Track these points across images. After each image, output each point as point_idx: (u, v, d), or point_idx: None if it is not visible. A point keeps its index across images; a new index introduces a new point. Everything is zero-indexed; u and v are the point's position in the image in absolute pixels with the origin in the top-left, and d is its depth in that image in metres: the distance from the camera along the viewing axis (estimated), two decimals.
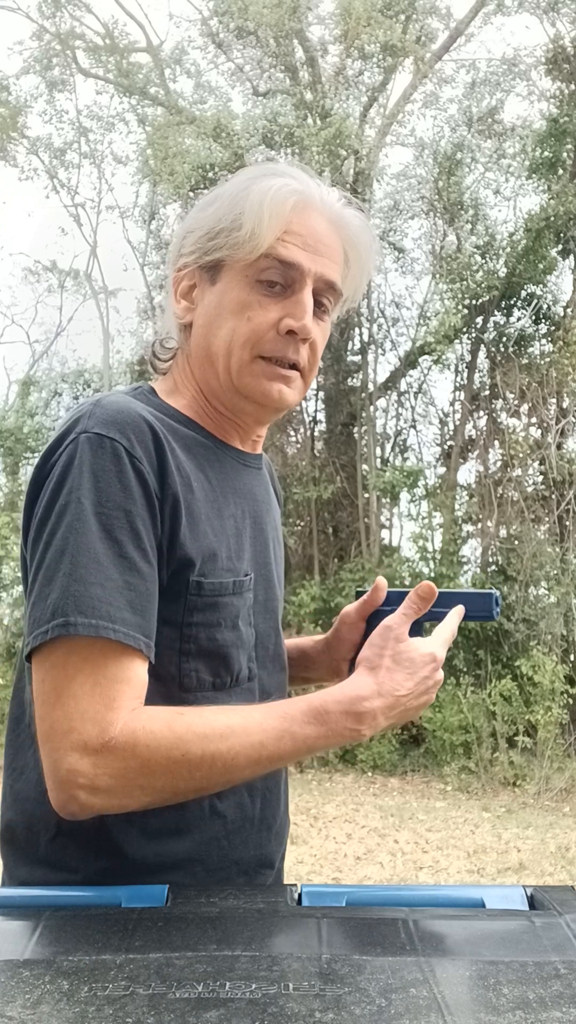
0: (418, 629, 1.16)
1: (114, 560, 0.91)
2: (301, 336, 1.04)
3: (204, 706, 0.95)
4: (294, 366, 1.06)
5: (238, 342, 1.04)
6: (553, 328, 9.58)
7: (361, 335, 10.40)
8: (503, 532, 9.37)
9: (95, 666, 0.89)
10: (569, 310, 9.58)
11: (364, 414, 10.20)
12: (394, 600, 1.17)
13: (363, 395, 10.24)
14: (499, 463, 9.64)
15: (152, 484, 0.95)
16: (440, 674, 1.04)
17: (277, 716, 0.94)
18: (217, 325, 1.06)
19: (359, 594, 1.20)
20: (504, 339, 9.79)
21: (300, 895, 0.88)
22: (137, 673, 0.92)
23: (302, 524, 10.18)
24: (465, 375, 10.13)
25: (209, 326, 1.07)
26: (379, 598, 1.17)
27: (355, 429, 10.41)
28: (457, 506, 9.73)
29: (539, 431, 9.45)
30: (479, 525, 9.62)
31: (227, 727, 0.92)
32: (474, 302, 9.14)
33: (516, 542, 9.01)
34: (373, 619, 1.18)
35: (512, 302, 9.76)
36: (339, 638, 1.23)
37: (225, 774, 0.92)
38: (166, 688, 0.98)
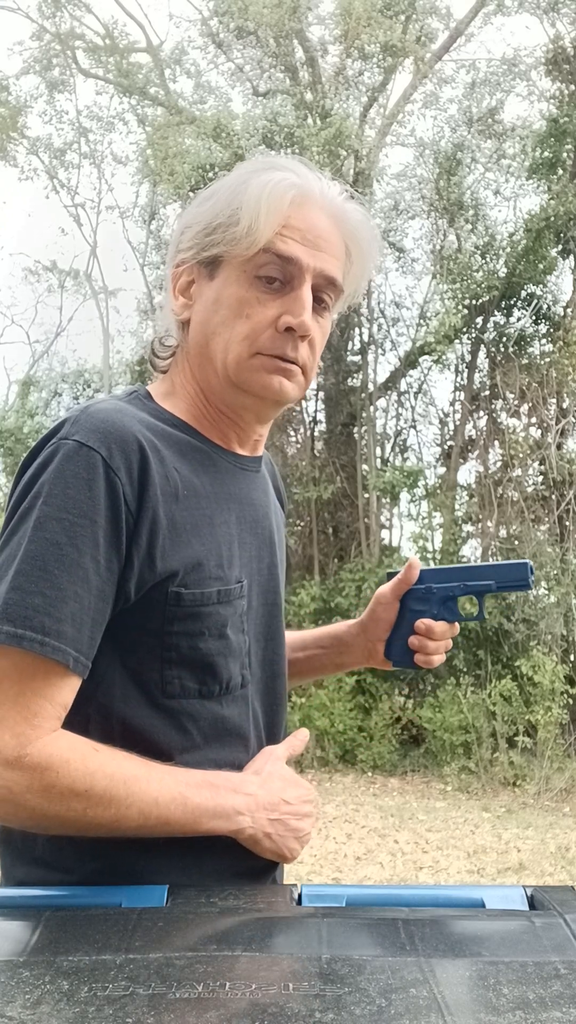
0: (454, 606, 1.18)
1: (66, 568, 0.90)
2: (300, 333, 1.03)
3: (118, 750, 0.94)
4: (293, 362, 1.05)
5: (236, 340, 1.03)
6: (553, 328, 9.57)
7: (361, 335, 10.40)
8: (503, 532, 9.36)
9: (22, 675, 0.89)
10: (569, 310, 9.58)
11: (364, 414, 10.20)
12: (426, 578, 1.19)
13: (363, 395, 10.24)
14: (499, 463, 9.63)
15: (126, 497, 0.94)
16: (314, 816, 1.07)
17: (176, 779, 0.95)
18: (215, 322, 1.04)
19: (390, 575, 1.22)
20: (504, 339, 9.79)
21: (300, 895, 0.88)
22: (62, 691, 0.91)
23: (302, 524, 10.18)
24: (465, 375, 10.13)
25: (207, 323, 1.05)
26: (413, 576, 1.19)
27: (355, 429, 10.40)
28: (457, 506, 9.73)
29: (539, 431, 9.45)
30: (479, 525, 9.61)
31: (133, 776, 0.92)
32: (474, 302, 9.13)
33: (516, 542, 9.01)
34: (407, 598, 1.20)
35: (512, 302, 9.76)
36: (375, 618, 1.24)
37: (114, 821, 0.91)
38: (149, 694, 0.98)
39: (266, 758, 1.06)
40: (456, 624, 1.19)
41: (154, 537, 0.96)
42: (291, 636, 1.27)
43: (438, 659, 1.20)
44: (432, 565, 1.24)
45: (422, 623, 1.17)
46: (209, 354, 1.06)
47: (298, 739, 1.14)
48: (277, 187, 1.01)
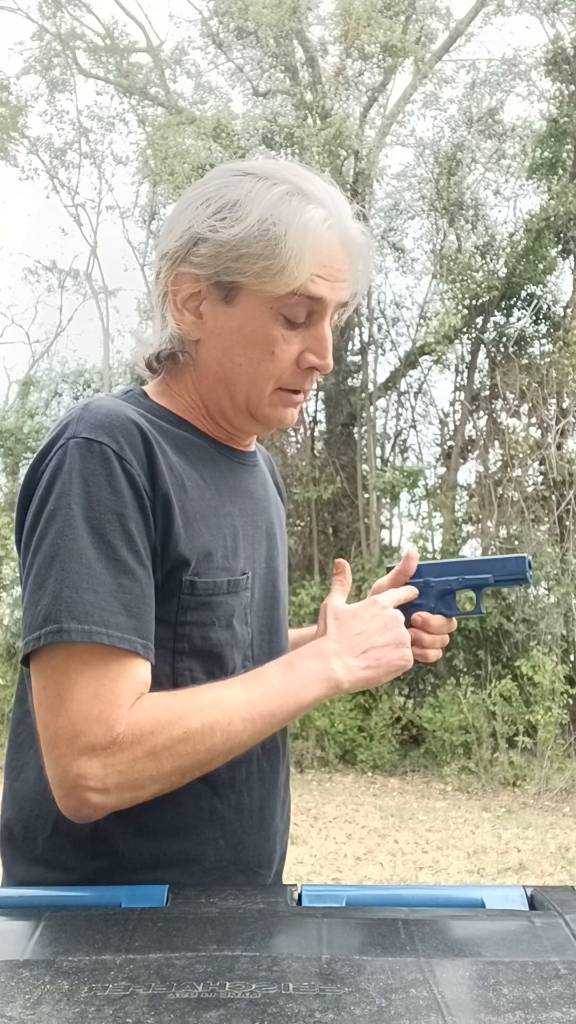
0: (452, 600, 1.17)
1: (106, 564, 0.91)
2: (324, 372, 1.05)
3: (191, 687, 0.97)
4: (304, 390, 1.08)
5: (263, 376, 1.03)
6: (553, 328, 9.57)
7: (361, 335, 10.40)
8: (503, 532, 9.36)
9: (95, 670, 0.89)
10: (569, 310, 9.58)
11: (364, 414, 10.20)
12: (424, 572, 1.19)
13: (363, 395, 10.23)
14: (499, 463, 9.63)
15: (143, 486, 0.95)
16: (397, 613, 1.08)
17: (254, 677, 0.98)
18: (237, 353, 1.03)
19: (389, 570, 1.22)
20: (504, 339, 9.78)
21: (300, 895, 0.88)
22: (138, 672, 0.92)
23: (302, 524, 10.18)
24: (465, 375, 10.13)
25: (228, 351, 1.03)
26: (410, 569, 1.19)
27: (355, 429, 10.40)
28: (457, 506, 9.73)
29: (539, 431, 9.44)
30: (479, 525, 9.61)
31: (216, 696, 0.94)
32: (474, 302, 9.13)
33: (516, 542, 9.00)
34: None
35: (512, 302, 9.76)
36: None
37: (225, 742, 0.93)
38: (159, 687, 0.98)
39: (323, 613, 1.08)
40: (453, 619, 1.19)
41: (168, 523, 0.97)
42: (291, 633, 1.28)
43: (434, 654, 1.19)
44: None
45: (418, 616, 1.17)
46: (228, 383, 1.05)
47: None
48: (319, 229, 0.98)
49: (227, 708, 0.93)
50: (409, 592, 1.15)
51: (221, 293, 1.02)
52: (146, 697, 0.92)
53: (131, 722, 0.89)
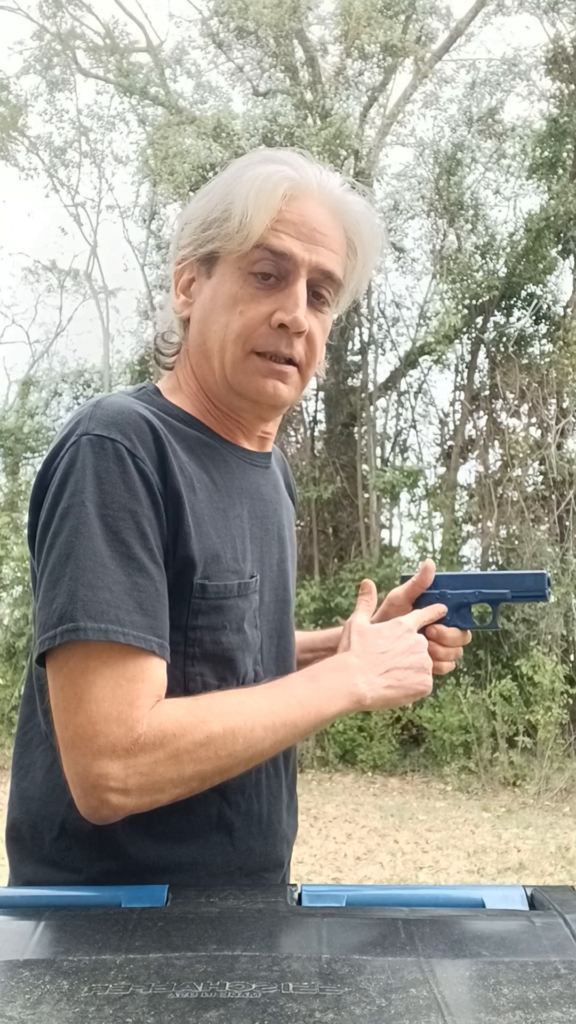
0: (467, 613, 1.17)
1: (121, 562, 0.90)
2: (293, 330, 1.01)
3: (212, 692, 0.96)
4: (290, 361, 1.04)
5: (231, 337, 1.02)
6: (553, 328, 9.57)
7: (361, 335, 10.40)
8: (503, 532, 9.36)
9: (112, 669, 0.88)
10: (569, 310, 9.58)
11: (364, 414, 10.20)
12: (441, 583, 1.19)
13: (363, 395, 10.24)
14: (499, 463, 9.63)
15: (156, 483, 0.94)
16: (421, 637, 1.08)
17: (277, 686, 0.98)
18: (211, 320, 1.04)
19: (404, 579, 1.22)
20: (504, 339, 9.79)
21: (300, 895, 0.88)
22: (155, 672, 0.91)
23: (302, 524, 10.17)
24: (465, 375, 10.13)
25: (204, 321, 1.05)
26: (427, 580, 1.18)
27: (355, 429, 10.40)
28: (457, 506, 9.73)
29: (539, 431, 9.45)
30: (479, 525, 9.61)
31: (239, 702, 0.94)
32: (474, 302, 9.13)
33: (516, 542, 9.01)
34: (420, 602, 1.19)
35: (512, 302, 9.76)
36: (386, 621, 1.23)
37: (247, 748, 0.92)
38: (170, 693, 0.97)
39: (347, 630, 1.08)
40: (468, 632, 1.18)
41: (180, 523, 0.96)
42: (300, 637, 1.27)
43: (447, 666, 1.18)
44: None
45: (433, 628, 1.16)
46: (206, 352, 1.05)
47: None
48: (268, 180, 0.99)
49: (250, 715, 0.92)
50: (435, 613, 1.14)
51: (205, 268, 1.05)
52: (168, 700, 0.91)
53: (153, 724, 0.88)
